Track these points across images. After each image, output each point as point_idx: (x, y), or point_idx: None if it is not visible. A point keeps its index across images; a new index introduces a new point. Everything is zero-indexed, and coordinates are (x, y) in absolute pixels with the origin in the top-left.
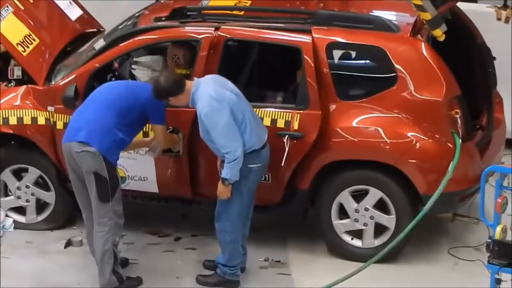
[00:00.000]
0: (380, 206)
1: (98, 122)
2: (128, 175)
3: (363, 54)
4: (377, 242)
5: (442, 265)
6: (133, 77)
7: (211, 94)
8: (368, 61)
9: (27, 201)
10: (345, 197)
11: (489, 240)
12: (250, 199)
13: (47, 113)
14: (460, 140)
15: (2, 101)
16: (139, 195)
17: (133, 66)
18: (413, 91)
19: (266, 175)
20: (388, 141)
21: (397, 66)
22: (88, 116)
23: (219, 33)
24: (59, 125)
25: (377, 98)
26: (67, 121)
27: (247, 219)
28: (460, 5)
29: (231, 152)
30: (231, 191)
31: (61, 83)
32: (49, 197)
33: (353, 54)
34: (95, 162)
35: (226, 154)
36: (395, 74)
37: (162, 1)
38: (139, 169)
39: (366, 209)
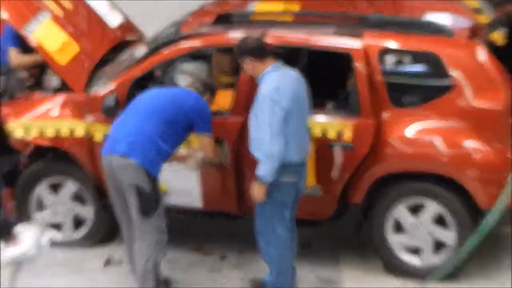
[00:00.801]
0: (439, 221)
1: (140, 133)
2: (170, 189)
3: (417, 60)
4: (436, 259)
5: (503, 282)
6: (176, 85)
7: (277, 85)
8: (422, 67)
9: (65, 216)
10: (401, 212)
11: None
12: (288, 212)
13: (86, 124)
14: None
15: (38, 111)
16: (182, 210)
17: (176, 74)
18: (471, 98)
19: (317, 188)
20: (445, 151)
21: (452, 72)
22: (128, 126)
23: (266, 40)
24: (98, 137)
25: (433, 105)
26: (107, 132)
27: (291, 233)
28: None
29: (268, 146)
30: (267, 204)
31: (101, 93)
32: (87, 212)
33: (407, 60)
34: (136, 175)
35: (263, 147)
36: (451, 80)
37: (205, 7)
38: (182, 182)
39: (424, 224)
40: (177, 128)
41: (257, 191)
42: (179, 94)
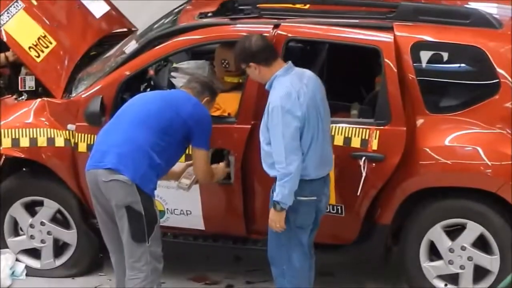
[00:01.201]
0: (481, 244)
1: (130, 144)
2: (167, 209)
3: (457, 56)
4: None
5: None
6: (172, 87)
7: (289, 91)
8: (463, 65)
9: (43, 241)
10: (436, 234)
11: None
12: (306, 236)
13: (67, 132)
14: None
15: (11, 118)
16: (182, 233)
17: (172, 74)
18: None
19: (339, 207)
20: (489, 163)
21: (499, 70)
22: (117, 136)
23: (278, 31)
24: (82, 147)
25: (476, 110)
26: (92, 143)
27: (309, 261)
28: None
29: (283, 164)
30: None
31: (83, 95)
32: (70, 236)
33: (445, 56)
34: (127, 193)
35: (278, 166)
36: (497, 80)
37: None
38: (181, 200)
39: (463, 248)
40: (172, 139)
41: (275, 219)
42: (175, 99)
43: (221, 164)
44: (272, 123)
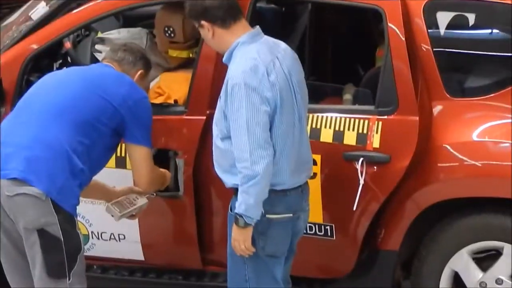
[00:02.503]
0: None
1: (42, 143)
2: (92, 232)
3: (488, 19)
4: None
5: None
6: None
7: (255, 64)
8: (496, 31)
9: None
10: (462, 262)
11: None
12: (280, 269)
13: None
14: None
15: None
16: (113, 266)
17: (97, 47)
18: None
19: (327, 227)
20: None
21: None
22: (23, 133)
23: None
24: None
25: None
26: None
27: None
28: None
29: (247, 163)
30: (248, 257)
31: None
32: None
33: (471, 18)
34: (40, 212)
35: (240, 166)
36: None
37: None
38: (110, 221)
39: (500, 282)
40: (98, 135)
41: (239, 238)
42: (100, 78)
43: (167, 173)
44: (233, 106)
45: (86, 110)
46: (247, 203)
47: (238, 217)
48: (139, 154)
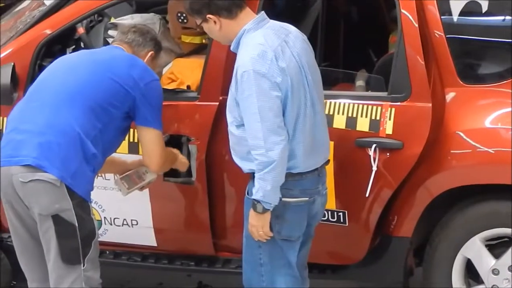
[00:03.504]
0: None
1: (55, 128)
2: (104, 218)
3: (499, 6)
4: None
5: None
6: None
7: (264, 50)
8: (508, 18)
9: None
10: (475, 249)
11: None
12: (295, 254)
13: None
14: None
15: None
16: (125, 251)
17: (109, 32)
18: None
19: (340, 214)
20: None
21: None
22: (36, 119)
23: None
24: None
25: None
26: (1, 127)
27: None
28: None
29: (262, 150)
30: (263, 243)
31: None
32: None
33: (485, 4)
34: (54, 198)
35: (255, 153)
36: None
37: None
38: (123, 206)
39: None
40: (110, 118)
41: (257, 224)
42: (111, 61)
43: (180, 156)
44: (243, 94)
45: (98, 93)
46: (264, 189)
47: (256, 203)
48: (150, 137)
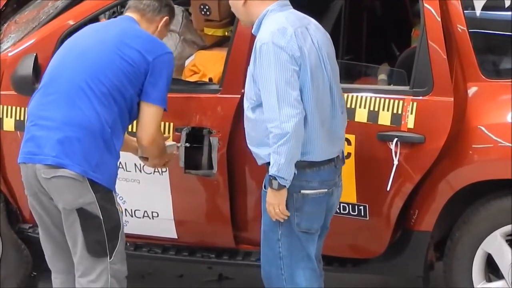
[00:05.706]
0: None
1: (73, 123)
2: (125, 209)
3: None
4: None
5: None
6: None
7: (284, 26)
8: None
9: None
10: (496, 244)
11: None
12: (313, 247)
13: None
14: None
15: None
16: (146, 243)
17: None
18: None
19: (361, 207)
20: None
21: None
22: (54, 114)
23: None
24: (8, 125)
25: None
26: (22, 118)
27: (319, 281)
28: None
29: (277, 122)
30: (281, 235)
31: (10, 54)
32: None
33: (507, 0)
34: (77, 193)
35: (270, 126)
36: None
37: None
38: (144, 198)
39: None
40: (124, 100)
41: (273, 202)
42: (123, 35)
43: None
44: (261, 66)
45: (110, 76)
46: (278, 163)
47: (271, 179)
48: (151, 112)
